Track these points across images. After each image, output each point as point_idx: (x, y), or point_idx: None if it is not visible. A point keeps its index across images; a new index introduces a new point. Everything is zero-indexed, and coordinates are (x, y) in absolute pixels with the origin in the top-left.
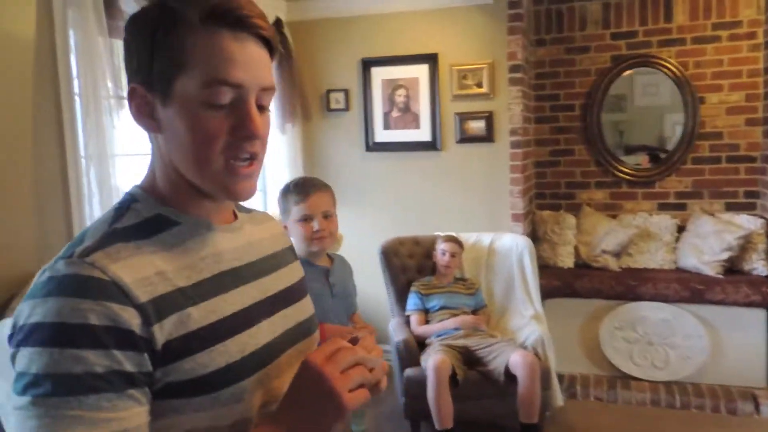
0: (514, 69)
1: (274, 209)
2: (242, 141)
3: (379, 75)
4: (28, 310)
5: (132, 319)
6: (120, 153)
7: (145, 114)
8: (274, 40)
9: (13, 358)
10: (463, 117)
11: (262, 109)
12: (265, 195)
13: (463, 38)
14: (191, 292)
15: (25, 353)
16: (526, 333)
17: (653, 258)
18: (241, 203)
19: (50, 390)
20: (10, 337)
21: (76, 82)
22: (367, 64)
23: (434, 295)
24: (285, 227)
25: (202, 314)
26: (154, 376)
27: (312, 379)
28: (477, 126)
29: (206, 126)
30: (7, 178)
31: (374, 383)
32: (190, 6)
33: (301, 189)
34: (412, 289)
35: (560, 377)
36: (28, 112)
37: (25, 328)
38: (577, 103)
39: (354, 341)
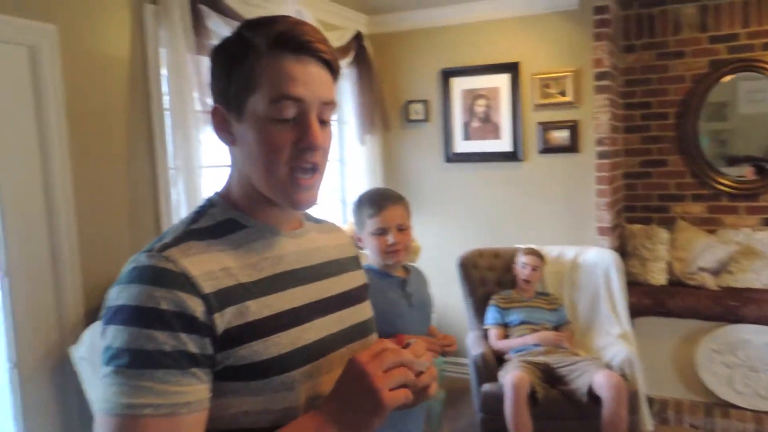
0: (600, 76)
1: (353, 218)
2: (304, 152)
3: (459, 85)
4: (115, 294)
5: (197, 307)
6: (206, 165)
7: (223, 129)
8: (335, 62)
9: (103, 333)
10: (546, 127)
11: (324, 123)
12: (344, 205)
13: (546, 46)
14: (251, 287)
15: (111, 330)
16: (612, 352)
17: (758, 277)
18: (313, 214)
19: (128, 362)
20: (103, 317)
21: (165, 98)
22: (447, 75)
23: (514, 310)
24: (359, 239)
25: (259, 308)
26: (215, 359)
27: (355, 376)
28: (561, 136)
29: (273, 138)
30: (105, 190)
31: (421, 387)
32: (260, 34)
33: (375, 202)
34: (491, 302)
35: (650, 401)
36: (123, 127)
37: (111, 309)
38: (670, 111)
39: (405, 346)
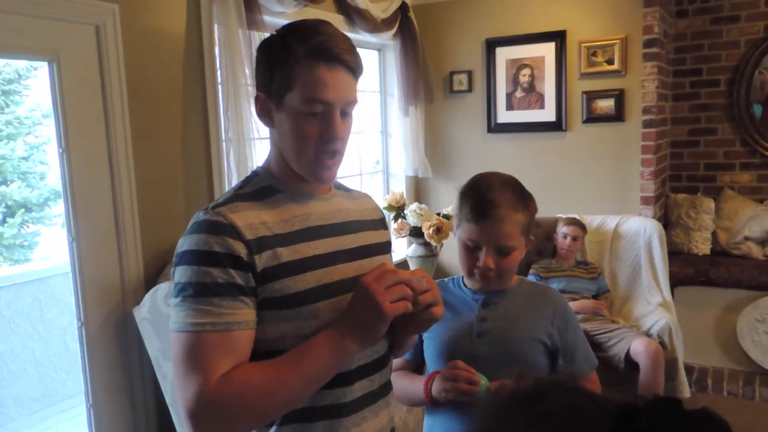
0: (649, 44)
1: (395, 188)
2: (328, 141)
3: (504, 55)
4: (181, 242)
5: (241, 250)
6: (256, 137)
7: (265, 114)
8: (358, 69)
9: (173, 274)
10: (591, 96)
11: (346, 114)
12: (386, 175)
13: (595, 13)
14: (284, 237)
15: (179, 270)
16: (651, 321)
17: None
18: (345, 185)
19: (192, 293)
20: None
21: (218, 73)
22: (492, 45)
23: (553, 279)
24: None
25: (289, 253)
26: (257, 291)
27: (361, 292)
28: (606, 105)
29: (304, 129)
30: (162, 161)
31: (424, 304)
32: (299, 43)
33: (478, 205)
34: (531, 271)
35: (689, 369)
36: (179, 101)
37: (178, 255)
38: (722, 78)
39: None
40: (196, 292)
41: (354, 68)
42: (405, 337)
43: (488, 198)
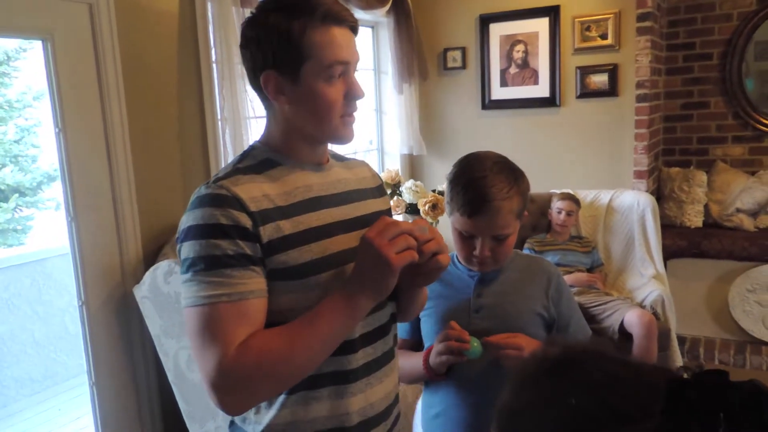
0: (643, 17)
1: (390, 166)
2: (352, 101)
3: (498, 31)
4: (185, 218)
5: (246, 222)
6: (251, 116)
7: (279, 92)
8: (357, 26)
9: (179, 251)
10: (585, 71)
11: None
12: (381, 153)
13: None
14: (286, 209)
15: (185, 246)
16: (644, 292)
17: None
18: (341, 155)
19: (202, 267)
20: (177, 239)
21: (213, 51)
22: (486, 21)
23: (548, 252)
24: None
25: (292, 225)
26: (264, 262)
27: (366, 247)
28: (599, 80)
29: (329, 95)
30: (158, 140)
31: (429, 253)
32: (306, 14)
33: (471, 200)
34: (526, 245)
35: (682, 339)
36: (174, 80)
37: (183, 231)
38: (715, 51)
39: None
40: (207, 265)
41: (355, 26)
42: (414, 291)
43: (481, 190)
